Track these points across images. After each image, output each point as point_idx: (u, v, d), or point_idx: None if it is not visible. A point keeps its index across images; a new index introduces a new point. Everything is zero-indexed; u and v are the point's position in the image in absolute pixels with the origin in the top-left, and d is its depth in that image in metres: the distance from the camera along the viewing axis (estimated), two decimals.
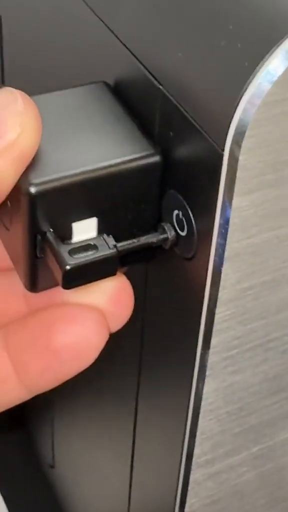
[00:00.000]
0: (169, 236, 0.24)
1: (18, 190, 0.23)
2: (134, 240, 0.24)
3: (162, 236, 0.24)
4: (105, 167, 0.24)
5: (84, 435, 0.39)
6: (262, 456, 0.31)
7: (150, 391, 0.30)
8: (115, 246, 0.24)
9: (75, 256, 0.23)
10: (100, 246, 0.24)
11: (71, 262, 0.23)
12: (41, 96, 0.25)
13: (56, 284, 0.25)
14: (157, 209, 0.25)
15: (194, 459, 0.29)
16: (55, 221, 0.24)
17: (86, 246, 0.24)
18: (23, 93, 0.23)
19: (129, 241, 0.24)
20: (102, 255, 0.23)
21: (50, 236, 0.23)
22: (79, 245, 0.24)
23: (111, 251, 0.24)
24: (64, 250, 0.23)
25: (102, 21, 0.26)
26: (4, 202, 0.24)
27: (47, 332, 0.24)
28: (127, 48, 0.25)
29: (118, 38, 0.25)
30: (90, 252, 0.23)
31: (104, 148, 0.24)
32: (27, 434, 0.49)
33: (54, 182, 0.23)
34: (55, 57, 0.30)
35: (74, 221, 0.24)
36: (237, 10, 0.22)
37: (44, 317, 0.25)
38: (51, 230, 0.23)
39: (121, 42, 0.25)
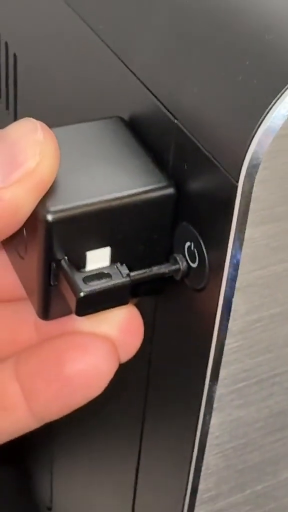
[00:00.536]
0: (181, 267, 0.25)
1: (35, 217, 0.24)
2: (147, 270, 0.25)
3: (174, 267, 0.25)
4: (120, 198, 0.24)
5: (84, 474, 0.39)
6: (265, 495, 0.31)
7: (155, 424, 0.30)
8: (128, 275, 0.24)
9: (89, 283, 0.24)
10: (113, 274, 0.24)
11: (86, 289, 0.23)
12: (57, 128, 0.26)
13: (67, 313, 0.25)
14: (169, 240, 0.26)
15: (198, 495, 0.29)
16: (70, 249, 0.24)
17: (100, 274, 0.24)
18: (42, 123, 0.24)
19: (142, 271, 0.25)
20: (116, 283, 0.24)
21: (64, 263, 0.24)
22: (93, 273, 0.24)
23: (124, 279, 0.24)
24: (78, 277, 0.24)
25: (118, 57, 0.27)
26: (20, 231, 0.24)
27: (59, 360, 0.25)
28: (142, 83, 0.26)
29: (133, 73, 0.26)
30: (103, 280, 0.24)
31: (119, 179, 0.25)
32: (23, 474, 0.49)
33: (71, 210, 0.24)
34: (70, 94, 0.31)
35: (88, 250, 0.24)
36: (254, 46, 0.23)
37: (55, 346, 0.25)
38: (66, 257, 0.24)
39: (137, 77, 0.26)
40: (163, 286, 0.26)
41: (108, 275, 0.24)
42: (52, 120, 0.27)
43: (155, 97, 0.25)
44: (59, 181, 0.24)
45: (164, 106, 0.25)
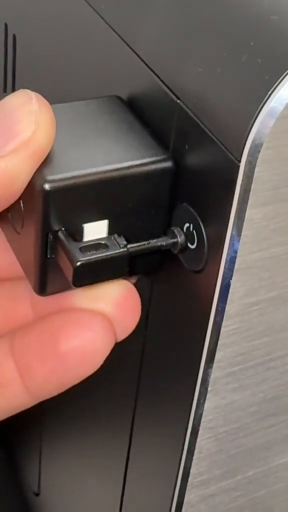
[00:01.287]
0: (179, 240, 0.24)
1: (32, 187, 0.24)
2: (144, 243, 0.25)
3: (171, 240, 0.25)
4: (118, 169, 0.24)
5: (75, 457, 0.39)
6: (256, 481, 0.31)
7: (148, 407, 0.30)
8: (125, 246, 0.24)
9: (86, 253, 0.24)
10: (111, 245, 0.24)
11: (82, 258, 0.23)
12: (55, 105, 0.26)
13: (64, 289, 0.25)
14: (167, 216, 0.26)
15: (190, 479, 0.29)
16: (67, 220, 0.24)
17: (97, 245, 0.24)
18: (37, 93, 0.24)
19: (140, 243, 0.25)
20: (113, 254, 0.24)
21: (61, 234, 0.24)
22: (90, 243, 0.24)
23: (122, 250, 0.24)
24: (75, 247, 0.24)
25: (120, 37, 0.27)
26: (17, 205, 0.24)
27: (54, 337, 0.24)
28: (145, 63, 0.25)
29: (136, 54, 0.26)
30: (100, 251, 0.24)
31: (117, 151, 0.25)
32: (8, 457, 0.49)
33: (68, 180, 0.24)
34: (69, 75, 0.31)
35: (86, 222, 0.24)
36: (259, 27, 0.23)
37: (51, 322, 0.25)
38: (63, 228, 0.24)
39: (139, 57, 0.26)
40: (158, 262, 0.26)
41: (105, 246, 0.24)
42: (51, 101, 0.27)
43: (158, 77, 0.25)
44: (57, 153, 0.24)
45: (167, 86, 0.25)
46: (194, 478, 0.29)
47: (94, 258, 0.24)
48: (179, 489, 0.29)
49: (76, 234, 0.24)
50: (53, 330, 0.25)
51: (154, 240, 0.25)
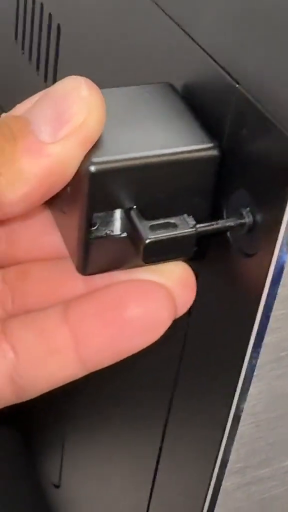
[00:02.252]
0: (247, 222, 0.25)
1: (78, 169, 0.24)
2: (213, 223, 0.25)
3: (240, 221, 0.25)
4: (163, 155, 0.25)
5: (99, 447, 0.39)
6: None
7: (188, 391, 0.30)
8: (194, 226, 0.24)
9: (156, 231, 0.24)
10: (180, 224, 0.25)
11: (151, 236, 0.24)
12: (105, 89, 0.26)
13: (107, 269, 0.26)
14: (211, 205, 0.26)
15: (228, 465, 0.29)
16: (111, 202, 0.25)
17: (166, 224, 0.24)
18: (87, 79, 0.24)
19: (208, 223, 0.25)
20: (181, 233, 0.24)
21: (133, 212, 0.24)
22: (160, 222, 0.24)
23: (190, 230, 0.24)
24: (145, 225, 0.24)
25: (177, 24, 0.27)
26: (64, 188, 0.25)
27: (119, 303, 0.25)
28: (203, 49, 0.26)
29: (193, 40, 0.26)
30: (170, 229, 0.24)
31: (164, 137, 0.25)
32: (29, 448, 0.49)
33: (113, 163, 0.24)
34: (117, 65, 0.31)
35: (129, 205, 0.25)
36: None
37: (115, 291, 0.25)
38: (135, 207, 0.24)
39: (197, 43, 0.26)
40: (205, 250, 0.27)
41: (174, 225, 0.24)
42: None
43: (216, 62, 0.25)
44: (104, 136, 0.25)
45: (226, 71, 0.25)
46: (232, 464, 0.29)
47: (163, 236, 0.24)
48: (217, 475, 0.29)
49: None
50: (119, 297, 0.25)
51: (222, 221, 0.25)
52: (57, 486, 0.46)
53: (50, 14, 0.37)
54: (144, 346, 0.25)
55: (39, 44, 0.39)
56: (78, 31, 0.35)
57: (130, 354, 0.25)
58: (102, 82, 0.32)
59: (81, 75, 0.35)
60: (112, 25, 0.32)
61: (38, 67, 0.39)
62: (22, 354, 0.25)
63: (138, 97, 0.27)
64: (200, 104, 0.26)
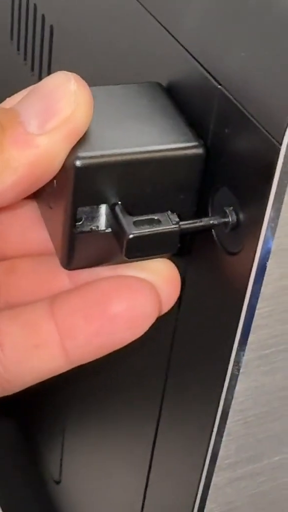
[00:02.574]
0: (230, 220, 0.25)
1: (64, 164, 0.25)
2: (197, 220, 0.25)
3: (223, 220, 0.25)
4: (147, 151, 0.25)
5: (98, 444, 0.39)
6: (281, 467, 0.31)
7: (178, 388, 0.30)
8: (177, 222, 0.25)
9: (140, 227, 0.25)
10: (163, 221, 0.25)
11: (135, 231, 0.24)
12: (94, 87, 0.27)
13: (91, 264, 0.26)
14: (196, 202, 0.26)
15: (218, 461, 0.29)
16: (96, 197, 0.25)
17: (150, 220, 0.25)
18: (76, 74, 0.25)
19: (192, 220, 0.25)
20: (165, 229, 0.25)
21: (118, 208, 0.25)
22: (144, 218, 0.25)
23: (174, 226, 0.25)
24: (129, 221, 0.25)
25: (161, 24, 0.27)
26: (51, 181, 0.25)
27: (104, 298, 0.25)
28: (186, 50, 0.26)
29: (177, 40, 0.26)
30: (153, 225, 0.25)
31: (149, 135, 0.26)
32: (32, 445, 0.49)
33: (98, 158, 0.25)
34: (107, 65, 0.32)
35: (114, 201, 0.25)
36: None
37: (100, 285, 0.26)
38: (120, 202, 0.25)
39: (180, 44, 0.26)
40: (191, 247, 0.27)
41: (158, 221, 0.25)
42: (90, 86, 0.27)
43: (199, 63, 0.26)
44: (90, 132, 0.25)
45: (208, 72, 0.25)
46: (222, 460, 0.29)
47: (146, 232, 0.24)
48: (207, 471, 0.29)
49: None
50: (104, 292, 0.25)
51: (206, 218, 0.25)
52: (58, 482, 0.46)
53: (43, 15, 0.37)
54: (129, 341, 0.26)
55: (33, 45, 0.39)
56: (69, 32, 0.35)
57: (114, 349, 0.26)
58: (93, 80, 0.33)
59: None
60: (100, 26, 0.32)
61: (32, 67, 0.40)
62: (8, 348, 0.26)
63: (126, 95, 0.27)
64: (186, 104, 0.27)
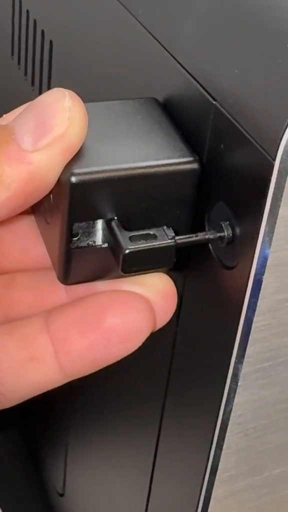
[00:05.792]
0: (226, 234, 0.25)
1: (59, 179, 0.25)
2: (192, 235, 0.25)
3: (219, 234, 0.25)
4: (143, 167, 0.25)
5: (100, 457, 0.39)
6: (282, 480, 0.31)
7: (178, 401, 0.30)
8: (173, 237, 0.25)
9: (136, 242, 0.25)
10: (159, 236, 0.25)
11: (131, 247, 0.24)
12: (89, 103, 0.27)
13: (88, 279, 0.27)
14: (192, 217, 0.26)
15: (218, 474, 0.29)
16: (92, 213, 0.25)
17: (146, 235, 0.25)
18: (71, 91, 0.25)
19: (187, 235, 0.25)
20: (161, 244, 0.25)
21: (114, 223, 0.25)
22: (140, 233, 0.25)
23: (170, 241, 0.25)
24: (125, 236, 0.25)
25: (157, 40, 0.27)
26: (47, 197, 0.25)
27: (99, 312, 0.25)
28: (181, 66, 0.26)
29: (172, 56, 0.27)
30: (149, 241, 0.25)
31: (145, 151, 0.26)
32: (34, 456, 0.49)
33: (93, 174, 0.25)
34: (105, 79, 0.32)
35: (110, 216, 0.25)
36: None
37: (96, 300, 0.26)
38: (116, 218, 0.25)
39: (176, 60, 0.27)
40: (188, 261, 0.27)
41: (154, 236, 0.25)
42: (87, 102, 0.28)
43: (194, 79, 0.26)
44: (85, 148, 0.25)
45: (203, 88, 0.25)
46: (222, 473, 0.29)
47: (142, 247, 0.25)
48: (207, 484, 0.29)
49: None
50: (99, 306, 0.25)
51: (202, 233, 0.26)
52: (61, 495, 0.47)
53: (42, 31, 0.38)
54: (123, 356, 0.26)
55: (33, 60, 0.39)
56: (68, 47, 0.35)
57: (109, 363, 0.26)
58: (91, 96, 0.33)
59: (71, 89, 0.35)
60: (98, 42, 0.32)
61: (33, 82, 0.40)
62: (3, 361, 0.26)
63: (123, 110, 0.27)
64: (182, 119, 0.27)
